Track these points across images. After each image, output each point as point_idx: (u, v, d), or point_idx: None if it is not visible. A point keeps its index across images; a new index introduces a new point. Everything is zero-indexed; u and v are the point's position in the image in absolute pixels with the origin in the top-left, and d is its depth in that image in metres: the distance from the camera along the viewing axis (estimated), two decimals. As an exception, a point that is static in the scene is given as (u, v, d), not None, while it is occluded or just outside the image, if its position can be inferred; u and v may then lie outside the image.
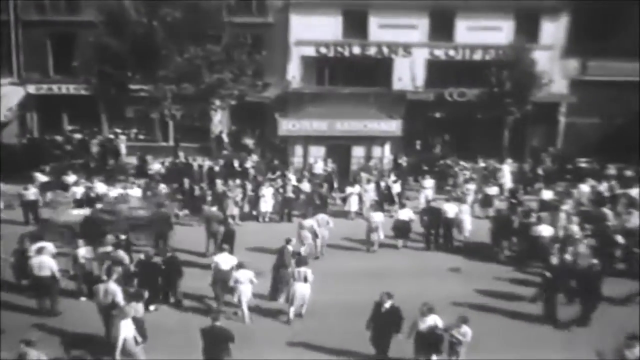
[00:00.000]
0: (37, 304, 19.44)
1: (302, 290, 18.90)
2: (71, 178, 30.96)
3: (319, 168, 35.13)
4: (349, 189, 31.27)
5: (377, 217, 25.91)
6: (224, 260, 19.67)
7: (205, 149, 39.81)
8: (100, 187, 29.70)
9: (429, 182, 32.46)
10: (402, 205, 28.27)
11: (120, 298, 17.03)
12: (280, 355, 16.91)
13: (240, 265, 19.12)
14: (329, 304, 19.84)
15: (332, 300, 20.17)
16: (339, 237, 26.74)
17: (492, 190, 31.89)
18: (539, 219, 25.02)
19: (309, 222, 24.95)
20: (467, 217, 27.42)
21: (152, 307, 19.41)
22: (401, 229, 26.47)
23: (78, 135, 40.66)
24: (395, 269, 23.60)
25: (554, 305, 19.26)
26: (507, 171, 34.88)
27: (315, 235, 24.75)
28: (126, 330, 15.51)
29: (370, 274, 22.68)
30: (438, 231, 26.65)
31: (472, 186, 32.19)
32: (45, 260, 19.05)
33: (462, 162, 36.95)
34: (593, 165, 37.20)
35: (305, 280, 18.93)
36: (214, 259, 20.12)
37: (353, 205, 30.74)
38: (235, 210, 29.09)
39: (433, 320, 14.67)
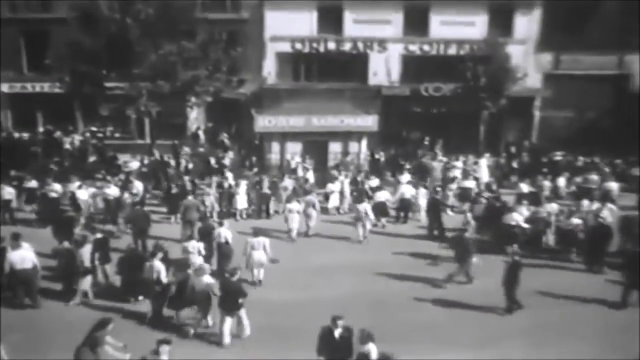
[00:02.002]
0: (18, 299, 19.30)
1: (260, 257, 20.80)
2: (32, 183, 30.46)
3: (295, 164, 35.18)
4: (330, 186, 31.41)
5: (362, 207, 26.62)
6: (222, 233, 21.65)
7: (182, 146, 39.64)
8: (74, 187, 29.44)
9: (405, 177, 32.57)
10: (380, 189, 29.95)
11: (164, 276, 18.28)
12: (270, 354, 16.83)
13: (190, 237, 21.67)
14: (310, 300, 19.92)
15: (314, 295, 20.28)
16: (321, 232, 27.56)
17: (470, 183, 32.11)
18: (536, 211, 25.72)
19: (295, 205, 26.72)
20: (422, 199, 29.65)
21: (140, 297, 19.78)
22: (379, 210, 28.24)
23: (57, 134, 40.39)
24: (377, 262, 23.68)
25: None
26: (484, 165, 35.08)
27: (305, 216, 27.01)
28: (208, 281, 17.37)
29: (352, 268, 22.80)
30: (440, 223, 27.26)
31: (454, 185, 32.30)
32: (26, 253, 19.18)
33: (441, 157, 37.16)
34: (568, 159, 37.52)
35: (264, 248, 20.89)
36: (217, 231, 21.85)
37: (334, 201, 31.13)
38: (216, 207, 29.32)
39: (368, 349, 13.48)
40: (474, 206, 27.21)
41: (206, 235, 22.64)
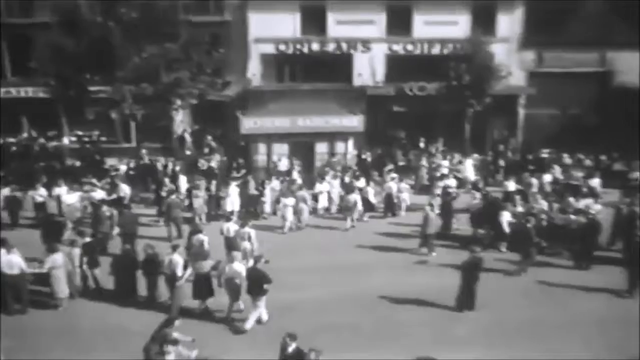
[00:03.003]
0: (3, 305, 19.23)
1: (245, 247, 22.07)
2: (5, 191, 29.79)
3: (283, 165, 35.24)
4: (318, 186, 31.47)
5: (352, 197, 28.84)
6: (231, 228, 23.33)
7: (168, 149, 39.55)
8: (60, 191, 29.35)
9: (390, 176, 32.75)
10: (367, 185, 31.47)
11: (180, 270, 19.14)
12: (255, 354, 16.82)
13: (196, 232, 22.45)
14: (302, 300, 20.02)
15: (305, 296, 20.46)
16: (311, 232, 28.41)
17: (451, 182, 32.40)
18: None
19: (290, 200, 28.40)
20: (406, 194, 31.41)
21: (130, 299, 20.18)
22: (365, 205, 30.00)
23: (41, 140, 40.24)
24: (367, 262, 24.03)
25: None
26: (469, 165, 35.22)
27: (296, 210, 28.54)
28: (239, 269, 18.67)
29: (340, 268, 23.05)
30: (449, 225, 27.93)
31: (441, 183, 32.42)
32: (14, 258, 19.22)
33: (433, 154, 37.56)
34: (553, 156, 37.75)
35: (249, 239, 22.35)
36: (224, 226, 23.58)
37: (323, 202, 31.36)
38: (204, 209, 29.44)
39: None
40: (471, 203, 27.48)
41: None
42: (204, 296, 19.28)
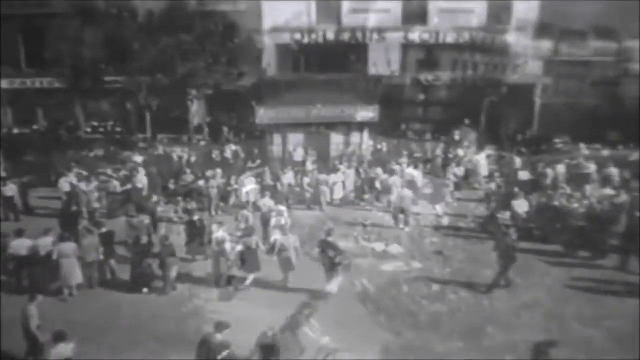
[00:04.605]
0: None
1: (278, 222, 22.82)
2: (9, 188, 28.82)
3: (298, 155, 35.22)
4: (332, 177, 31.37)
5: (391, 180, 29.43)
6: (267, 203, 24.89)
7: (184, 139, 39.54)
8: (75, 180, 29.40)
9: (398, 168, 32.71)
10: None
11: (229, 244, 20.05)
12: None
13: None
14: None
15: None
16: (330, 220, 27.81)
17: (459, 170, 32.68)
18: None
19: (306, 179, 30.55)
20: (419, 179, 31.36)
21: (144, 290, 20.02)
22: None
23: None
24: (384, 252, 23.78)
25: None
26: (482, 160, 34.97)
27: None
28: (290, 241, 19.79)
29: (361, 257, 22.91)
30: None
31: (450, 170, 32.46)
32: (46, 240, 19.60)
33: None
34: (569, 146, 37.54)
35: (282, 214, 23.25)
36: (260, 202, 25.68)
37: (338, 192, 31.16)
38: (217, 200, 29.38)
39: None
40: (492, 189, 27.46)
41: (200, 232, 22.65)
42: (252, 268, 19.95)
